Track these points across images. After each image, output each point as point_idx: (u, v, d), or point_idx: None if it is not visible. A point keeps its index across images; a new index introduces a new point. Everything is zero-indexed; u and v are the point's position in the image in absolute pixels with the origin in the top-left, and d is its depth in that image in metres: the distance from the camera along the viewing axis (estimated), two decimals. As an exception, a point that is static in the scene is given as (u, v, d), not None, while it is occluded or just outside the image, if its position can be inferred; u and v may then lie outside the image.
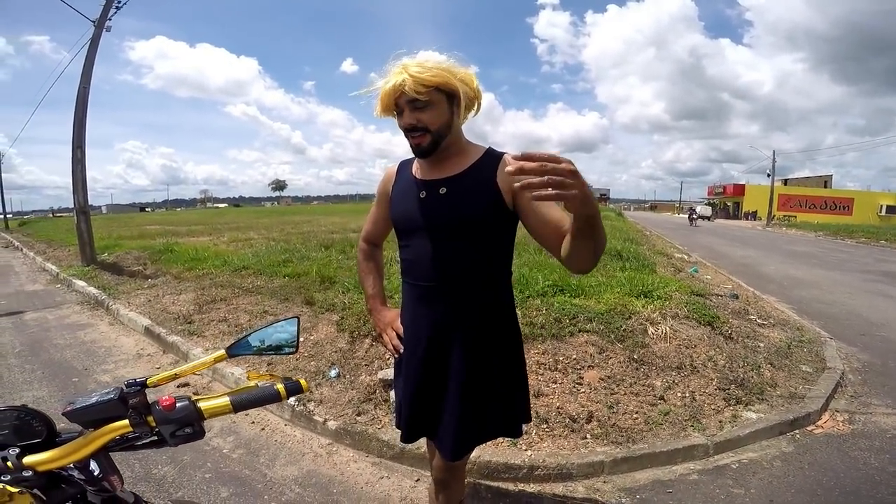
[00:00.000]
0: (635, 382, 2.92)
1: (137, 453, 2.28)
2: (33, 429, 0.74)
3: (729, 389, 2.94)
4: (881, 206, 45.43)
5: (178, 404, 0.75)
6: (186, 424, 0.76)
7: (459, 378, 1.29)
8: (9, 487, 0.68)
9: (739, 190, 52.72)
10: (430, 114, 1.18)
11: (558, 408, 2.65)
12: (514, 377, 1.37)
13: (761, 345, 3.82)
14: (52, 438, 0.75)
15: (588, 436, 2.48)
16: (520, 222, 1.27)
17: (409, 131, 1.20)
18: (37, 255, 11.58)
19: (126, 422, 0.74)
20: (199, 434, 0.77)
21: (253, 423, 2.77)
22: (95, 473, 0.77)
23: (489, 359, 1.30)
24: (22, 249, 13.92)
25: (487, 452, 2.25)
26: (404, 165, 1.42)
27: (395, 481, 2.24)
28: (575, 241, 1.01)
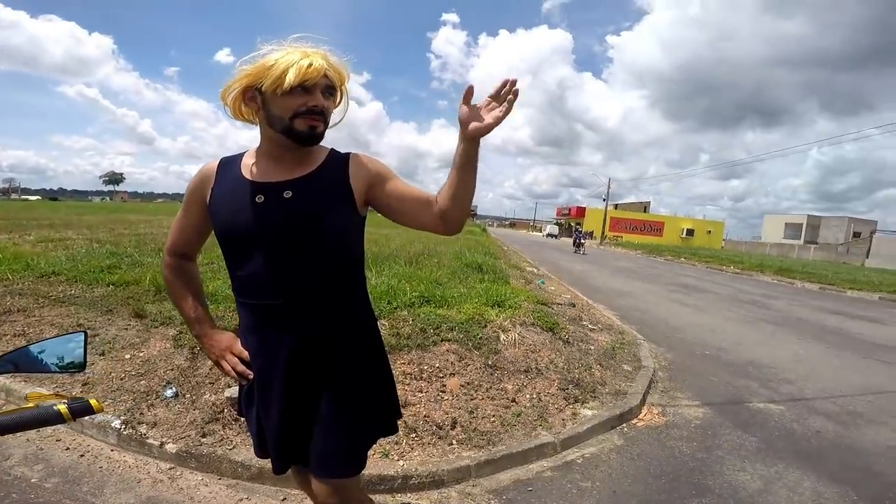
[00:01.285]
0: (491, 387, 3.13)
1: None
2: None
3: (568, 389, 3.32)
4: (683, 229, 56.32)
5: None
6: None
7: (332, 394, 1.20)
8: None
9: (581, 212, 60.65)
10: (332, 105, 1.16)
11: (425, 416, 2.70)
12: (383, 378, 1.32)
13: (592, 347, 4.40)
14: None
15: (454, 441, 2.57)
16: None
17: (313, 113, 1.10)
18: None
19: None
20: None
21: (68, 449, 2.37)
22: None
23: (358, 368, 1.24)
24: None
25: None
26: (228, 164, 1.23)
27: (257, 502, 2.08)
28: (461, 176, 1.09)
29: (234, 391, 2.65)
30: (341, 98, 1.20)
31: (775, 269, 16.89)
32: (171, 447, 2.34)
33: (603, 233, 41.74)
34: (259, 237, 1.13)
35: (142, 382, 2.81)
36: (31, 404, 0.71)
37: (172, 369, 2.93)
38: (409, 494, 2.22)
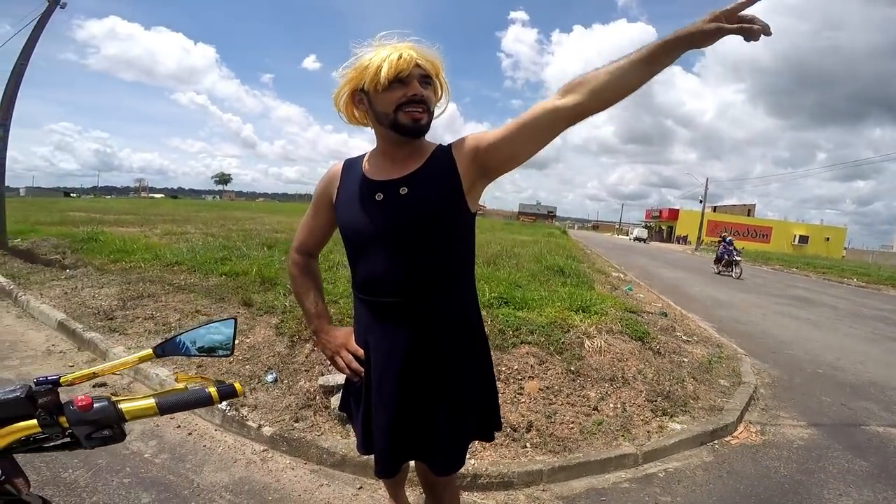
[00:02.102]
0: (572, 393, 3.03)
1: (44, 455, 2.07)
2: None
3: (656, 401, 3.12)
4: (795, 235, 50.28)
5: (95, 405, 0.70)
6: (105, 426, 0.70)
7: (446, 393, 1.21)
8: None
9: (674, 215, 56.49)
10: (431, 93, 1.13)
11: (501, 417, 2.69)
12: (489, 382, 1.32)
13: (685, 360, 4.08)
14: None
15: (528, 445, 2.54)
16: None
17: (414, 103, 1.10)
18: (-68, 236, 10.29)
19: (34, 422, 0.69)
20: (119, 437, 0.72)
21: (179, 427, 2.60)
22: None
23: (469, 368, 1.24)
24: (-86, 229, 12.33)
25: None
26: (351, 165, 1.28)
27: (335, 489, 2.18)
28: (639, 67, 0.99)
29: (326, 379, 2.83)
30: (441, 89, 1.19)
31: (912, 282, 14.50)
32: (266, 430, 2.49)
33: (699, 237, 38.46)
34: (378, 235, 1.16)
35: (247, 367, 3.09)
36: (181, 385, 0.79)
37: (274, 356, 3.20)
38: (475, 493, 2.21)
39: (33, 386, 0.71)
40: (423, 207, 1.14)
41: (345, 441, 2.40)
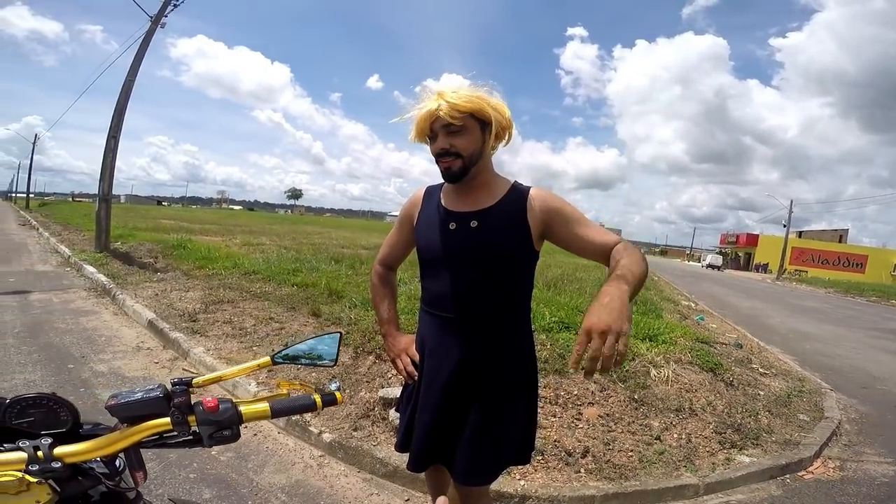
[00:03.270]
0: (633, 422, 2.90)
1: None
2: (59, 418, 0.72)
3: (725, 433, 2.92)
4: (895, 264, 44.81)
5: (221, 406, 0.74)
6: (226, 427, 0.74)
7: (484, 409, 1.28)
8: (27, 477, 0.65)
9: (753, 240, 52.44)
10: (462, 139, 1.20)
11: (555, 441, 2.63)
12: (530, 409, 1.37)
13: (761, 393, 3.78)
14: (75, 429, 0.74)
15: (582, 470, 2.46)
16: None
17: (440, 156, 1.22)
18: (52, 235, 11.81)
19: (167, 419, 0.73)
20: (236, 437, 0.76)
21: (245, 427, 2.75)
22: (119, 468, 0.75)
23: (511, 391, 1.31)
24: (38, 229, 14.22)
25: None
26: (431, 192, 1.41)
27: (384, 499, 2.22)
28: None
29: (386, 392, 2.90)
30: (486, 126, 1.22)
31: None
32: (326, 436, 2.55)
33: (781, 265, 35.31)
34: (448, 259, 1.28)
35: (313, 374, 3.22)
36: (284, 391, 0.84)
37: (338, 365, 3.33)
38: None
39: (169, 386, 0.75)
40: (489, 241, 1.24)
41: (399, 453, 2.45)
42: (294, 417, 2.71)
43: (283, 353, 0.90)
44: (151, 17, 9.05)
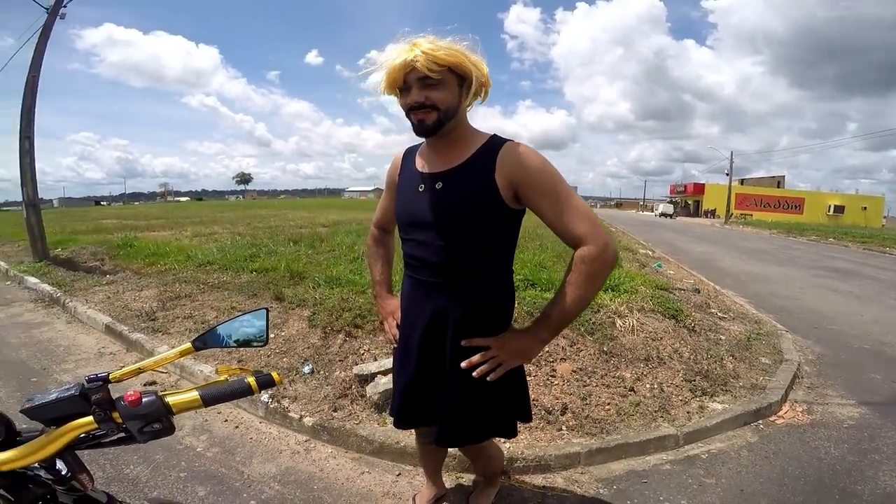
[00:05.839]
0: (606, 374, 3.01)
1: (107, 454, 2.15)
2: None
3: (695, 381, 3.07)
4: (829, 205, 48.32)
5: (144, 399, 0.72)
6: (155, 420, 0.73)
7: (452, 371, 1.28)
8: None
9: (700, 189, 54.90)
10: (439, 92, 1.14)
11: (534, 400, 2.68)
12: (510, 375, 1.32)
13: (723, 337, 4.00)
14: (12, 438, 0.73)
15: (563, 427, 2.53)
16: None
17: (414, 109, 1.16)
18: (-20, 249, 10.84)
19: (90, 418, 0.71)
20: (169, 430, 0.74)
21: (226, 421, 2.69)
22: (63, 472, 0.73)
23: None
24: (-37, 244, 13.00)
25: None
26: (409, 153, 1.38)
27: (375, 476, 2.23)
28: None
29: (360, 368, 2.88)
30: (464, 81, 1.17)
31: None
32: (308, 420, 2.55)
33: (728, 210, 37.38)
34: (418, 221, 1.27)
35: (284, 359, 3.17)
36: (222, 378, 0.81)
37: (308, 347, 3.27)
38: (513, 477, 2.22)
39: (85, 384, 0.73)
40: (452, 204, 1.20)
41: (382, 429, 2.45)
42: (271, 405, 2.67)
43: (204, 336, 0.86)
44: (47, 9, 8.19)
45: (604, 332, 3.38)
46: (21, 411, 0.72)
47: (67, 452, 0.73)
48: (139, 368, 0.82)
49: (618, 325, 3.55)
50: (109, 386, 0.74)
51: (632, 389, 2.90)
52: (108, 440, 0.75)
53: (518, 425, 1.45)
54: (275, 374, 0.80)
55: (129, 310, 4.41)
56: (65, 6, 8.22)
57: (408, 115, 1.19)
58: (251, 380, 0.78)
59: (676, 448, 2.51)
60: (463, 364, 1.22)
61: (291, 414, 2.62)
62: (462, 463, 2.21)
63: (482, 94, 1.23)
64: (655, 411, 2.73)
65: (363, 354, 3.10)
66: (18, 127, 8.00)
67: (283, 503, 2.04)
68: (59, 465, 0.74)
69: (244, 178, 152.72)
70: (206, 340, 0.87)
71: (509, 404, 1.38)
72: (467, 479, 2.17)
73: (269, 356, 3.21)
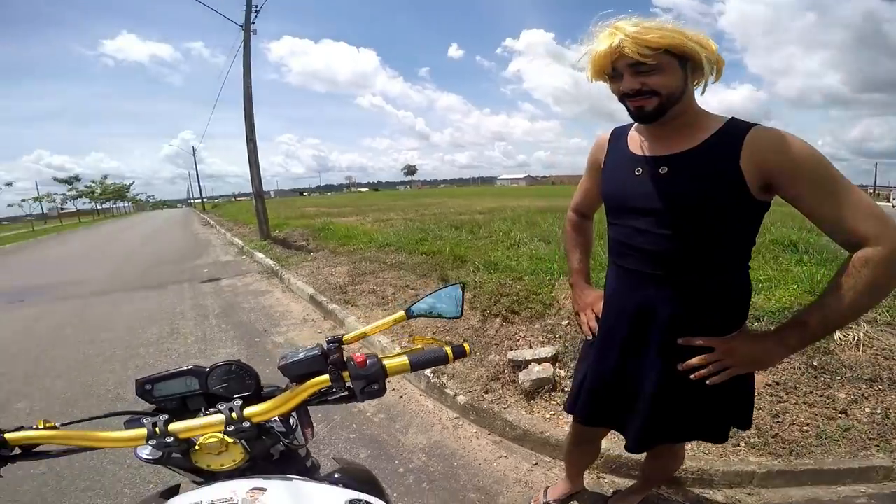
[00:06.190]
0: (811, 392, 2.52)
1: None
2: (245, 383, 0.80)
3: (943, 410, 2.38)
4: None
5: (368, 361, 0.78)
6: (374, 381, 0.78)
7: (660, 372, 1.16)
8: (226, 438, 0.72)
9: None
10: (658, 77, 1.01)
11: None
12: (736, 378, 1.13)
13: None
14: (258, 392, 0.81)
15: (742, 444, 2.23)
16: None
17: (629, 96, 1.05)
18: (226, 231, 14.17)
19: (326, 377, 0.77)
20: (382, 391, 0.79)
21: (394, 390, 2.96)
22: (293, 425, 0.80)
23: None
24: (216, 227, 17.18)
25: (618, 447, 2.10)
26: (619, 134, 1.26)
27: (512, 462, 2.24)
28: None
29: (515, 354, 2.93)
30: (686, 62, 1.02)
31: None
32: (460, 399, 2.62)
33: None
34: (633, 208, 1.14)
35: (446, 337, 3.38)
36: (419, 346, 0.86)
37: (468, 329, 3.46)
38: (664, 486, 2.02)
39: (325, 345, 0.80)
40: (680, 191, 1.06)
41: (528, 417, 2.45)
42: (432, 380, 2.86)
43: (415, 307, 0.94)
44: (241, 26, 10.07)
45: (817, 345, 2.83)
46: (278, 368, 0.79)
47: (302, 407, 0.80)
48: (364, 333, 0.88)
49: (836, 337, 2.92)
50: (343, 348, 0.81)
51: (843, 412, 2.39)
52: (332, 398, 0.80)
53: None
54: (466, 346, 0.85)
55: (327, 283, 5.27)
56: (254, 22, 10.10)
57: (622, 101, 1.08)
58: (448, 349, 0.83)
59: (884, 481, 2.03)
60: (680, 366, 1.10)
61: (448, 391, 2.73)
62: (609, 463, 2.11)
63: (714, 74, 1.06)
64: (870, 439, 2.21)
65: (518, 341, 3.15)
66: (244, 132, 10.16)
67: (425, 474, 2.16)
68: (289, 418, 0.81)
69: (410, 170, 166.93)
70: (414, 311, 0.95)
71: (728, 409, 1.21)
72: (609, 480, 2.08)
73: (434, 333, 3.48)
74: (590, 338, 1.35)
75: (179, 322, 4.67)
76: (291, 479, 0.73)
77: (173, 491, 0.77)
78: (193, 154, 45.32)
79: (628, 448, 1.27)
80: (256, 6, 10.01)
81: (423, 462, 2.25)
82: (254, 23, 10.13)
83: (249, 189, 10.66)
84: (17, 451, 0.71)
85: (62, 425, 0.75)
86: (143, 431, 0.71)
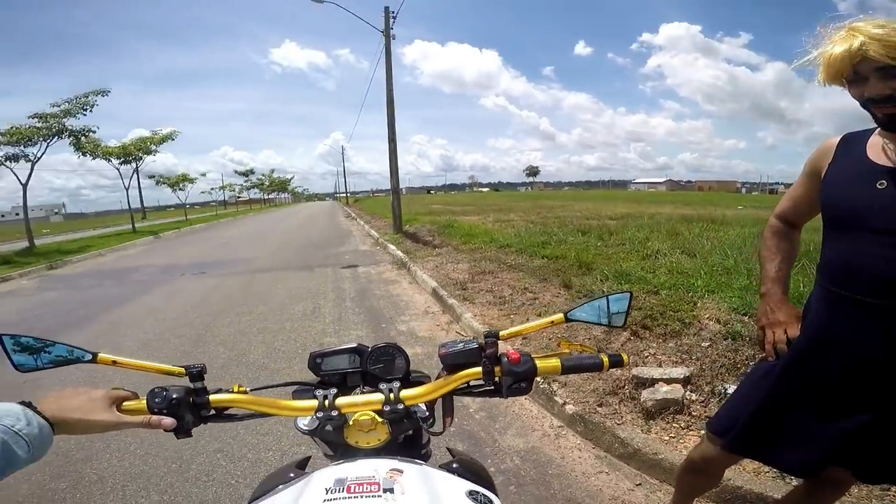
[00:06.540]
0: None
1: None
2: (398, 366, 0.82)
3: None
4: None
5: (522, 358, 0.77)
6: (523, 379, 0.76)
7: (872, 417, 1.04)
8: (377, 417, 0.73)
9: None
10: None
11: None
12: None
13: None
14: (407, 376, 0.83)
15: None
16: None
17: (878, 102, 0.95)
18: (365, 223, 15.67)
19: (479, 369, 0.77)
20: (528, 390, 0.77)
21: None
22: (433, 413, 0.82)
23: None
24: (356, 219, 19.12)
25: (741, 477, 1.91)
26: (852, 141, 1.13)
27: (612, 479, 2.11)
28: None
29: (641, 370, 2.76)
30: None
31: None
32: (569, 408, 2.53)
33: None
34: (868, 225, 1.01)
35: (586, 340, 3.27)
36: (566, 351, 0.83)
37: (590, 339, 3.31)
38: None
39: (483, 339, 0.79)
40: None
41: (643, 436, 2.28)
42: (541, 385, 2.78)
43: (575, 311, 0.88)
44: (383, 31, 10.85)
45: None
46: (439, 356, 0.80)
47: (449, 395, 0.80)
48: (519, 331, 0.85)
49: None
50: (499, 343, 0.79)
51: None
52: (477, 390, 0.80)
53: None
54: (624, 356, 0.81)
55: (449, 278, 5.52)
56: (392, 27, 10.84)
57: (865, 107, 0.99)
58: (604, 357, 0.79)
59: None
60: None
61: (556, 398, 2.65)
62: (724, 492, 1.89)
63: None
64: None
65: (647, 358, 2.96)
66: (386, 133, 11.10)
67: (516, 477, 2.11)
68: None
69: (532, 171, 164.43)
70: (575, 315, 0.89)
71: None
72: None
73: (550, 340, 3.44)
74: (771, 359, 1.20)
75: (321, 302, 5.31)
76: (420, 464, 0.72)
77: (304, 463, 0.82)
78: (342, 153, 51.38)
79: (860, 478, 1.15)
80: (393, 12, 10.87)
81: (515, 465, 2.22)
82: (392, 28, 11.01)
83: (385, 186, 11.78)
84: (213, 412, 0.76)
85: (251, 390, 0.80)
86: (314, 403, 0.74)
